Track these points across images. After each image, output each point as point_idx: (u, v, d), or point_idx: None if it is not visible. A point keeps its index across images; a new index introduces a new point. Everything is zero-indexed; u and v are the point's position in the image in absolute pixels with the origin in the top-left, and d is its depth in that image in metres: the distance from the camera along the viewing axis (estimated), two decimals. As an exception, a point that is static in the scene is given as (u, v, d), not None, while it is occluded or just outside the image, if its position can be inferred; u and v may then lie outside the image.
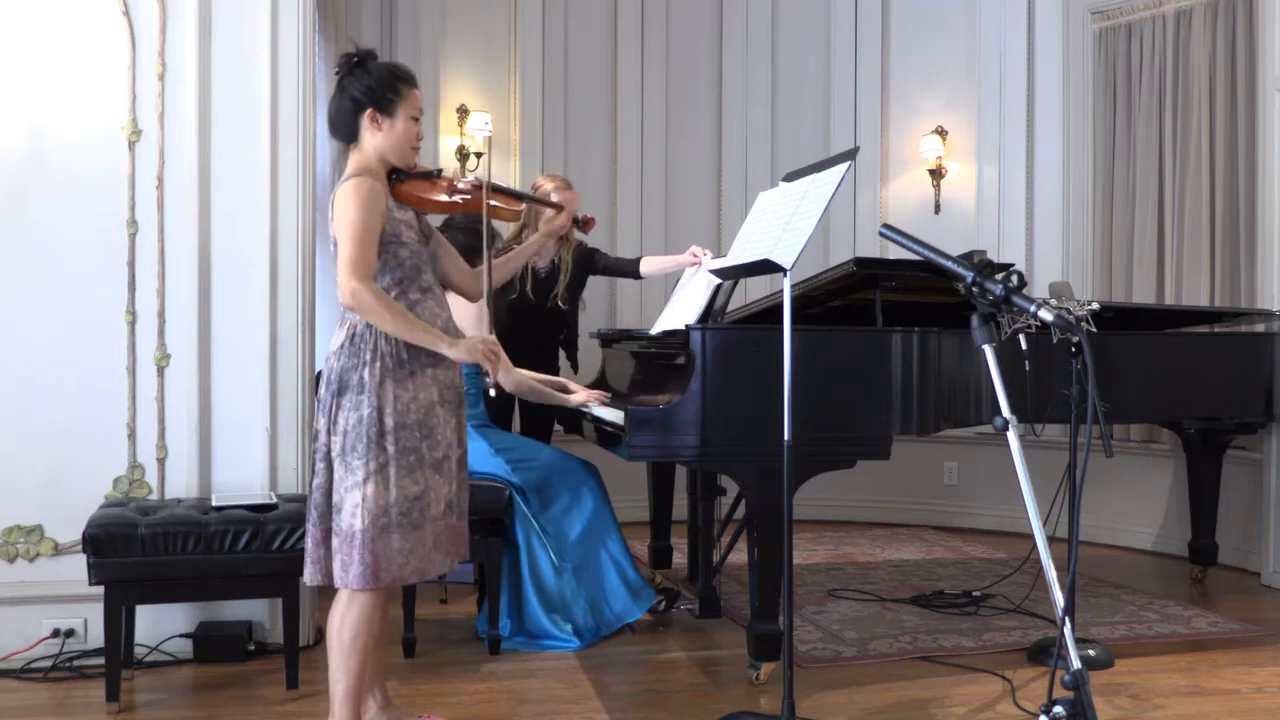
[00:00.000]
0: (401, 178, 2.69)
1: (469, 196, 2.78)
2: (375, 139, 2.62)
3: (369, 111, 2.60)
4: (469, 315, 3.60)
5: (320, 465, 2.59)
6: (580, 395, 3.82)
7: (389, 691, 2.84)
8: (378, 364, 2.53)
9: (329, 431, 2.57)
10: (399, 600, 3.46)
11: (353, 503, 2.50)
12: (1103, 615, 4.07)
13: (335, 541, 2.53)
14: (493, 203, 2.83)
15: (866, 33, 6.18)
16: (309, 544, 2.61)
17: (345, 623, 2.55)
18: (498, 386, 2.82)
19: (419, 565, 2.57)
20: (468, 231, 3.59)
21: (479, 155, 5.75)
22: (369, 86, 2.61)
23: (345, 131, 2.65)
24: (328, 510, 2.57)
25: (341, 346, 2.57)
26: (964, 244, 5.60)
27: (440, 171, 2.78)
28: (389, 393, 2.53)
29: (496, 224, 3.44)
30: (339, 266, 2.49)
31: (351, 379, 2.54)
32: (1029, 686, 3.25)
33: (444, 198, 2.73)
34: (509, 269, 3.03)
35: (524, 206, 2.97)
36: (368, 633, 2.57)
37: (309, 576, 2.60)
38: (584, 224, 3.24)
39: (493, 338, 2.72)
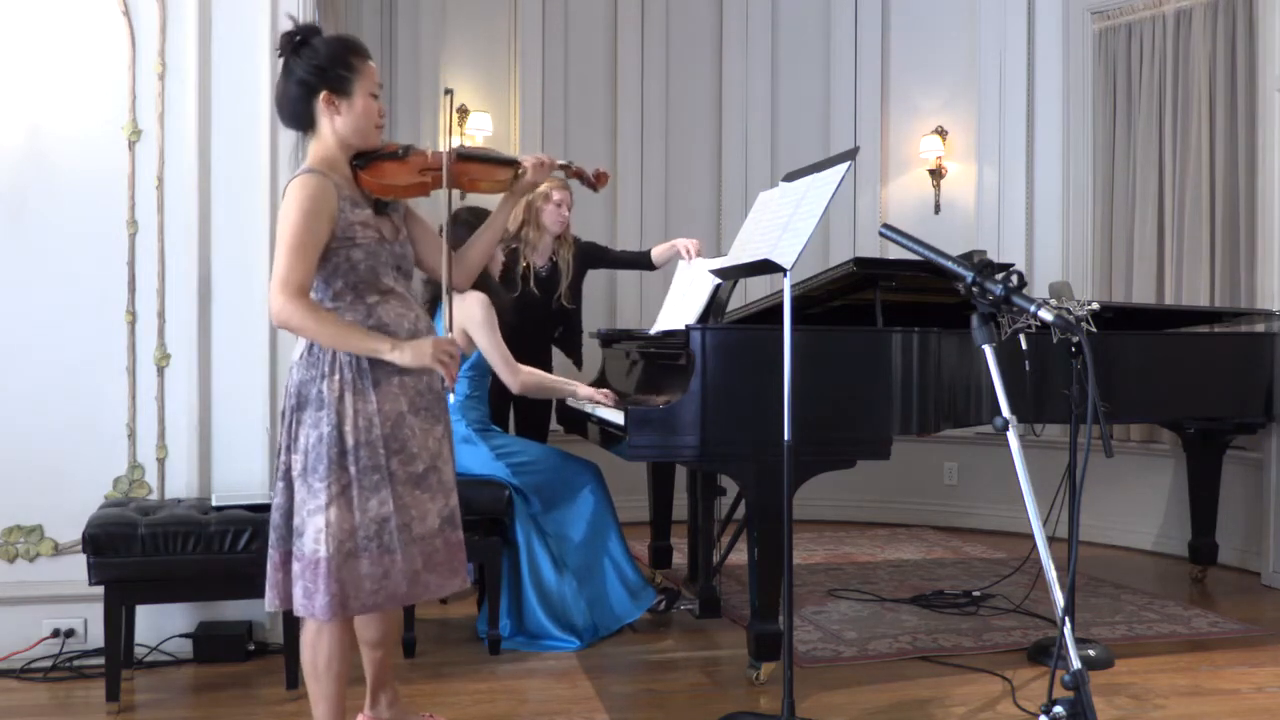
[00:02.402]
0: (364, 162, 2.44)
1: (440, 172, 2.47)
2: (334, 124, 2.40)
3: (323, 95, 2.38)
4: (478, 318, 3.59)
5: (280, 485, 2.41)
6: (586, 391, 3.82)
7: (397, 689, 2.82)
8: (336, 377, 2.35)
9: (289, 449, 2.39)
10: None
11: (315, 528, 2.32)
12: (1103, 615, 4.07)
13: (297, 567, 2.36)
14: (471, 175, 2.53)
15: (866, 33, 6.19)
16: (268, 567, 2.42)
17: (318, 653, 2.43)
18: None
19: (395, 591, 2.38)
20: (471, 227, 3.51)
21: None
22: (318, 66, 2.38)
23: (298, 119, 2.43)
24: (288, 533, 2.39)
25: (301, 356, 2.40)
26: (964, 244, 5.60)
27: (408, 148, 2.49)
28: (349, 408, 2.35)
29: (485, 199, 2.96)
30: (272, 279, 2.30)
31: (310, 392, 2.37)
32: (1029, 686, 3.25)
33: (413, 180, 2.46)
34: (485, 247, 2.70)
35: (507, 174, 2.59)
36: (342, 657, 2.45)
37: (267, 602, 2.43)
38: (596, 179, 2.87)
39: (449, 338, 2.43)
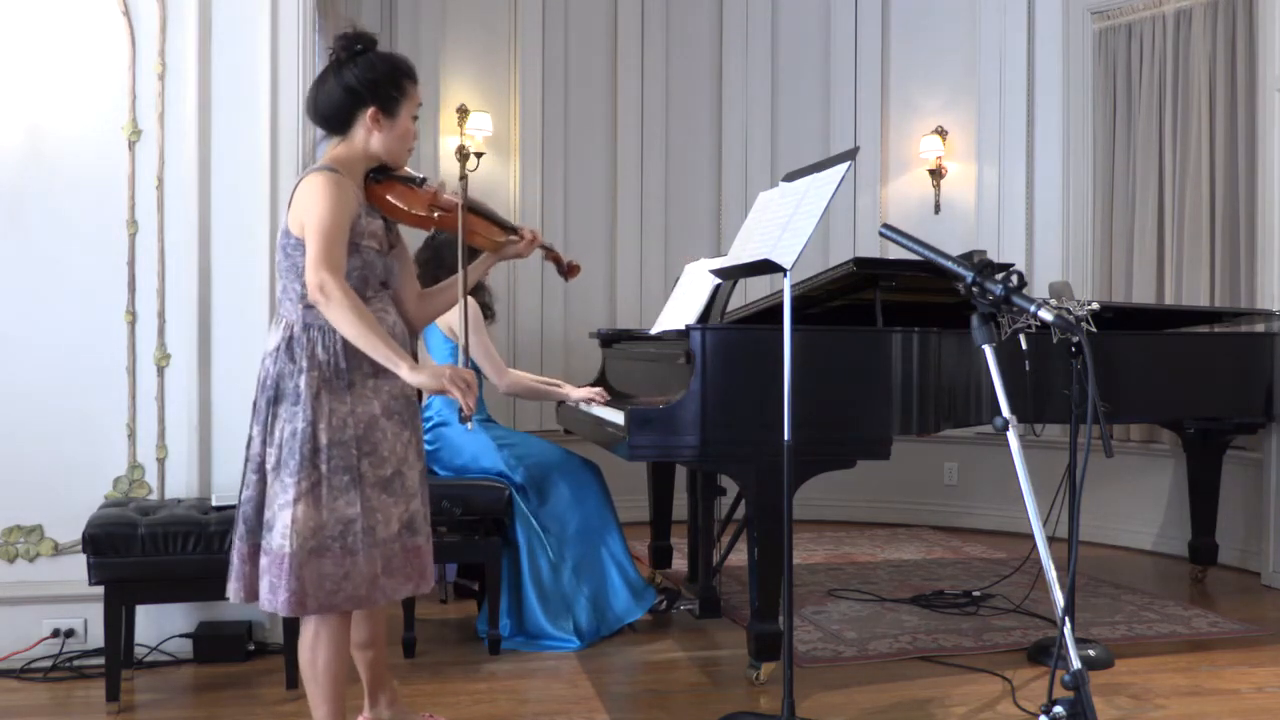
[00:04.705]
0: (380, 178, 2.48)
1: (447, 214, 2.51)
2: (372, 138, 2.44)
3: (372, 110, 2.41)
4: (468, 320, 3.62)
5: (253, 477, 2.40)
6: (580, 392, 3.85)
7: (395, 688, 2.81)
8: (314, 373, 2.35)
9: (264, 442, 2.38)
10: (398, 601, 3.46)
11: (283, 523, 2.32)
12: (1103, 615, 4.07)
13: (264, 561, 2.36)
14: (472, 228, 2.56)
15: (866, 33, 6.19)
16: (234, 559, 2.42)
17: (316, 654, 2.42)
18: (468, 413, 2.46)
19: (354, 593, 2.36)
20: (447, 247, 3.56)
21: (479, 155, 5.75)
22: (373, 81, 2.41)
23: (332, 121, 2.45)
24: (258, 525, 2.39)
25: (277, 349, 2.38)
26: (964, 244, 5.61)
27: (424, 180, 2.55)
28: (324, 406, 2.34)
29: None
30: (308, 260, 2.28)
31: (287, 387, 2.35)
32: (1029, 686, 3.25)
33: (421, 211, 2.48)
34: (452, 297, 2.69)
35: (504, 237, 2.66)
36: (340, 661, 2.44)
37: (232, 594, 2.43)
38: (568, 270, 2.90)
39: (468, 370, 2.40)
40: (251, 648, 3.45)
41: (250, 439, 2.43)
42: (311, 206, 2.32)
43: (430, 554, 2.55)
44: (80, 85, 3.47)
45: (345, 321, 2.28)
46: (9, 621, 3.36)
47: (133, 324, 3.50)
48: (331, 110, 2.45)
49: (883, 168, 6.20)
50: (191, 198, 3.51)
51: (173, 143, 3.51)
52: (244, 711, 3.04)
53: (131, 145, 3.50)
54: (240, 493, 2.44)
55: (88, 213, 3.47)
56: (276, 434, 2.36)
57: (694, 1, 6.23)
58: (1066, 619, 2.16)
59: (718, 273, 3.31)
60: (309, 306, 2.37)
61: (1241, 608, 4.22)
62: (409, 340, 2.57)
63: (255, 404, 2.43)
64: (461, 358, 2.51)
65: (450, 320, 3.72)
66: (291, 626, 3.11)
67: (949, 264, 2.42)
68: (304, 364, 2.35)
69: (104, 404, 3.47)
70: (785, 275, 2.78)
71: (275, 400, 2.37)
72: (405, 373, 2.31)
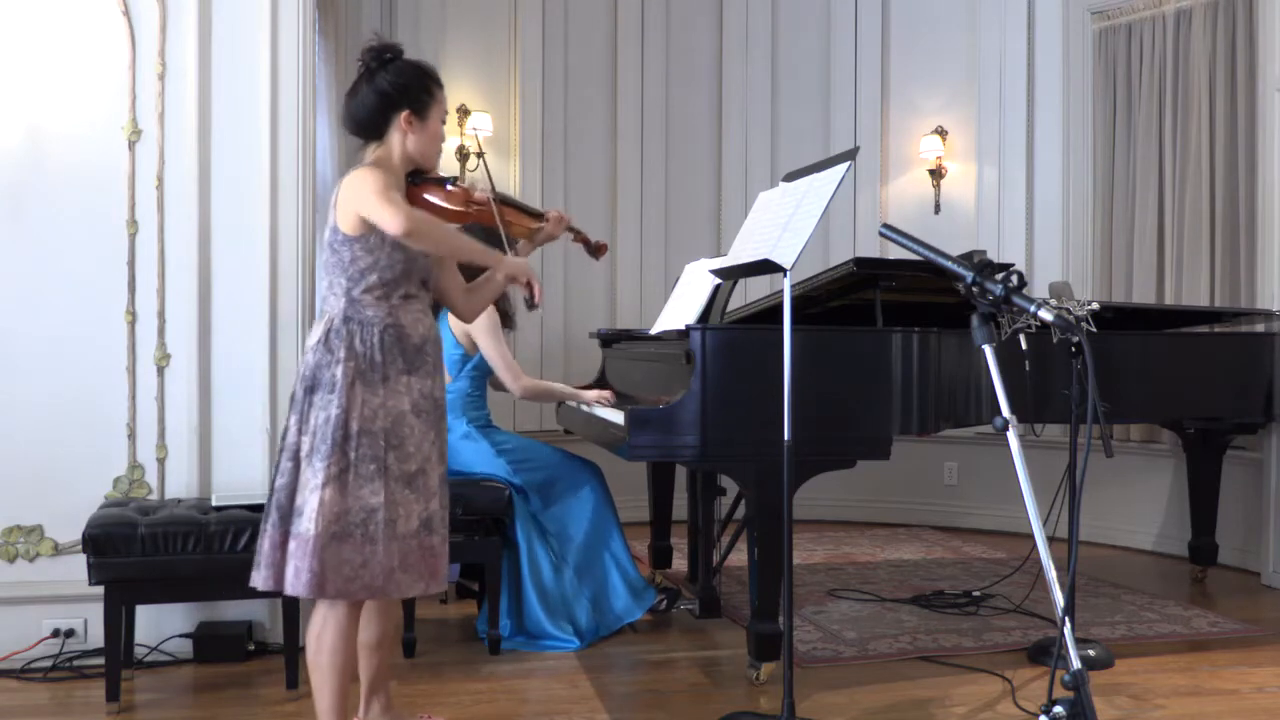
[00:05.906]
0: (417, 180, 2.62)
1: (483, 208, 2.71)
2: (406, 141, 2.53)
3: (405, 113, 2.51)
4: (481, 323, 3.65)
5: (288, 465, 2.46)
6: (593, 394, 3.88)
7: (391, 693, 2.83)
8: (351, 363, 2.43)
9: (299, 430, 2.46)
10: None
11: (311, 507, 2.38)
12: (1103, 615, 4.07)
13: (293, 545, 2.40)
14: (505, 218, 2.76)
15: (866, 33, 6.19)
16: (265, 546, 2.45)
17: (322, 642, 2.46)
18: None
19: (370, 582, 2.41)
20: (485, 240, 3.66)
21: (479, 155, 5.74)
22: (405, 85, 2.51)
23: (366, 127, 2.54)
24: (290, 512, 2.44)
25: (319, 341, 2.47)
26: (964, 244, 5.60)
27: (455, 179, 2.71)
28: (358, 396, 2.43)
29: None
30: (373, 215, 2.35)
31: (323, 376, 2.44)
32: (1029, 686, 3.25)
33: (459, 207, 2.65)
34: (496, 288, 2.83)
35: (536, 224, 2.84)
36: (345, 650, 2.47)
37: (260, 581, 2.45)
38: (596, 249, 3.08)
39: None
40: (251, 648, 3.45)
41: (286, 429, 2.50)
42: (360, 188, 2.40)
43: (445, 556, 2.59)
44: (80, 85, 3.47)
45: (430, 235, 2.40)
46: (9, 621, 3.36)
47: (133, 324, 3.50)
48: (366, 115, 2.53)
49: (883, 168, 6.21)
50: (191, 198, 3.51)
51: (173, 143, 3.51)
52: (244, 711, 3.04)
53: (131, 145, 3.50)
54: (274, 480, 2.49)
55: (88, 212, 3.47)
56: (311, 421, 2.44)
57: (694, 2, 6.23)
58: (1066, 619, 2.15)
59: (718, 273, 3.31)
60: (352, 300, 2.48)
61: (1241, 608, 4.22)
62: (440, 342, 2.64)
63: (293, 395, 2.50)
64: (512, 251, 2.78)
65: (465, 325, 3.72)
66: (291, 626, 3.12)
67: (949, 264, 2.42)
68: (341, 354, 2.44)
69: (104, 404, 3.47)
70: (785, 275, 2.78)
71: (311, 389, 2.46)
72: (497, 263, 2.59)
